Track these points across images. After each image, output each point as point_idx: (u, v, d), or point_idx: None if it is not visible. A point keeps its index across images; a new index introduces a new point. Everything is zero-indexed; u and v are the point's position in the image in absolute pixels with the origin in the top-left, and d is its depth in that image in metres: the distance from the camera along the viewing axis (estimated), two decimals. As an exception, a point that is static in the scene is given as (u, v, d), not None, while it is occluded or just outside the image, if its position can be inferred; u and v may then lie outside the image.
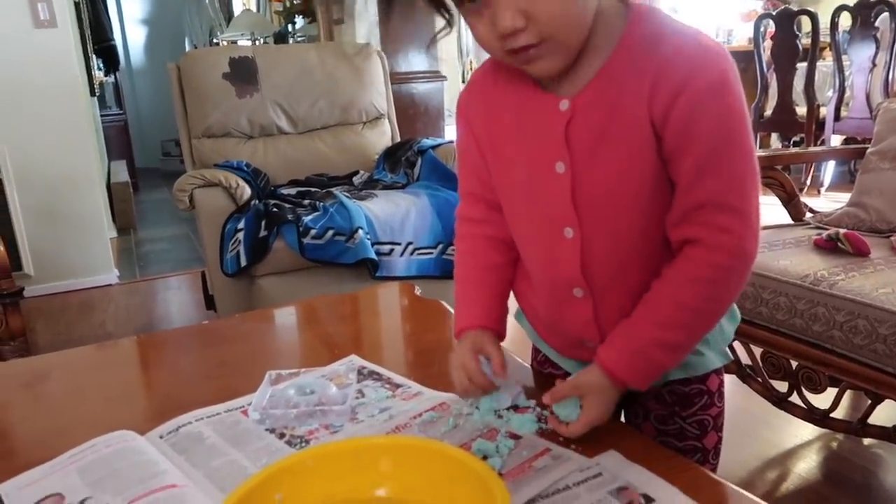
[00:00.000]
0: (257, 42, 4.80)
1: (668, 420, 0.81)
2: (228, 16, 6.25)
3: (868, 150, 1.75)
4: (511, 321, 0.87)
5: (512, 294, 0.85)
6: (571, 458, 0.70)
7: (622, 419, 0.86)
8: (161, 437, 0.77)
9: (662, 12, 0.67)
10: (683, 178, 0.64)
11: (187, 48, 7.40)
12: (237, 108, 2.60)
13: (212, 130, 2.59)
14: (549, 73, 0.66)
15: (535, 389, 0.82)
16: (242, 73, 2.61)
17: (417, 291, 1.27)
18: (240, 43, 5.38)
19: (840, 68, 4.30)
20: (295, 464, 0.64)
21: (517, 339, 0.88)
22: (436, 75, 4.41)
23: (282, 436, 0.78)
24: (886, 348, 1.21)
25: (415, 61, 4.37)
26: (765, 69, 4.60)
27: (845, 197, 1.80)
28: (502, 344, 0.81)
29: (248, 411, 0.81)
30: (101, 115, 5.70)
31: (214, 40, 6.11)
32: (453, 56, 7.36)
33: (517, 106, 0.72)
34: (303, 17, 4.68)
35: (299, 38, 4.69)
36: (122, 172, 5.03)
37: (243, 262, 2.03)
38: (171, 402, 0.88)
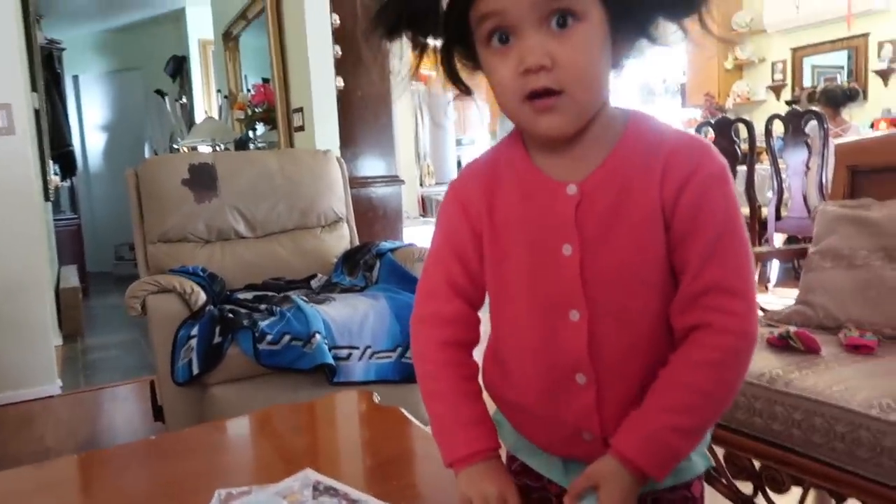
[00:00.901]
0: (218, 148, 4.87)
1: None
2: (190, 123, 6.37)
3: (810, 251, 1.83)
4: None
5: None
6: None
7: None
8: (97, 570, 0.72)
9: (656, 117, 0.73)
10: (690, 264, 0.67)
11: (147, 153, 7.46)
12: (195, 213, 2.59)
13: (168, 235, 2.57)
14: (559, 129, 0.68)
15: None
16: (202, 178, 2.62)
17: (376, 399, 1.24)
18: (200, 149, 5.45)
19: (777, 171, 4.56)
20: None
21: None
22: (394, 179, 4.52)
23: (230, 563, 0.73)
24: (844, 446, 1.21)
25: (374, 165, 4.48)
26: (707, 173, 4.83)
27: (791, 292, 1.85)
28: None
29: (195, 536, 0.76)
30: (55, 219, 5.62)
31: (175, 146, 6.18)
32: (411, 159, 7.57)
33: (520, 192, 0.73)
34: (263, 125, 4.78)
35: (260, 145, 4.78)
36: (72, 277, 4.91)
37: (196, 371, 1.96)
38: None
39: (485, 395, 0.81)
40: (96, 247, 7.25)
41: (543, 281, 0.72)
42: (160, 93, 6.78)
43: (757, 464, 1.41)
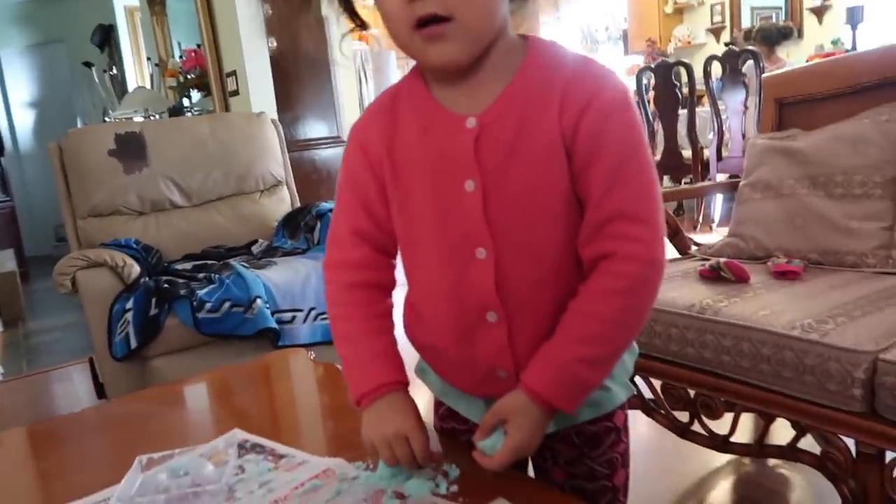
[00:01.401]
0: (152, 118, 4.70)
1: (577, 462, 0.78)
2: (122, 94, 6.11)
3: (741, 183, 1.86)
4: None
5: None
6: (458, 511, 0.67)
7: (530, 466, 0.83)
8: (6, 545, 0.69)
9: (558, 43, 0.70)
10: (594, 192, 0.66)
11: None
12: (125, 184, 2.50)
13: (98, 209, 2.47)
14: (452, 59, 0.65)
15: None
16: (130, 148, 2.53)
17: (311, 356, 1.22)
18: (135, 120, 5.25)
19: (717, 113, 4.62)
20: None
21: (416, 395, 0.84)
22: (337, 140, 4.44)
23: (149, 526, 0.71)
24: (770, 368, 1.25)
25: (316, 127, 4.38)
26: (651, 118, 4.88)
27: (730, 231, 1.88)
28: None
29: (111, 502, 0.74)
30: (-15, 203, 5.38)
31: (107, 119, 5.94)
32: (355, 119, 7.45)
33: (420, 129, 0.70)
34: (198, 91, 4.62)
35: (196, 112, 4.62)
36: (8, 262, 4.73)
37: (133, 344, 1.91)
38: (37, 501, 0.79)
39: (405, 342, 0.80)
40: (34, 229, 6.99)
41: (448, 220, 0.70)
42: (88, 64, 6.48)
43: (692, 392, 1.45)
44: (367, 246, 0.76)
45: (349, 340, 0.76)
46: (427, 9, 0.62)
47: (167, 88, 4.89)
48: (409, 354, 0.81)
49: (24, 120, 7.47)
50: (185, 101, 4.81)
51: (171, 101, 4.84)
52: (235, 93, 3.98)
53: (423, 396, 0.86)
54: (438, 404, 0.87)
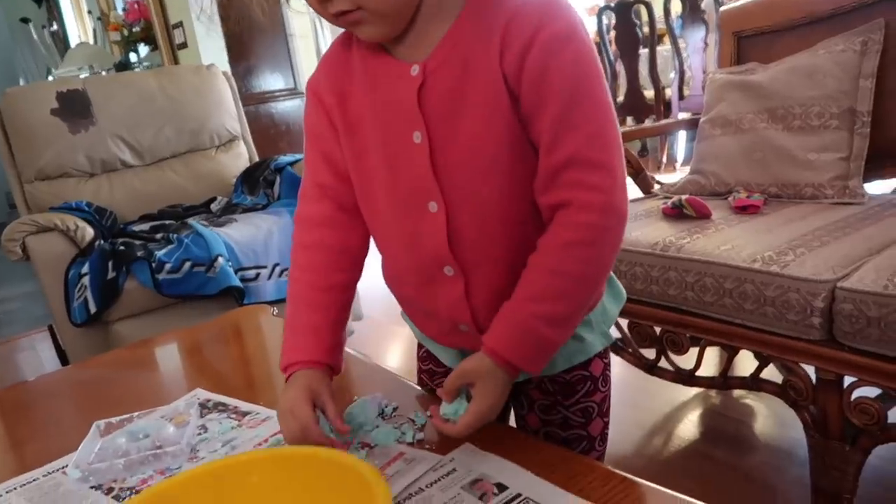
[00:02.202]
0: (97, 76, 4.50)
1: (550, 410, 0.77)
2: (65, 51, 5.83)
3: (701, 120, 1.86)
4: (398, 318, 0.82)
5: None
6: (425, 458, 0.67)
7: (511, 412, 0.83)
8: (-40, 520, 0.67)
9: None
10: (544, 137, 0.61)
11: (23, 90, 6.84)
12: (72, 144, 2.40)
13: (45, 172, 2.38)
14: (378, 37, 0.64)
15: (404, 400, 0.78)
16: (73, 107, 2.41)
17: (274, 312, 1.20)
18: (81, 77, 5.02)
19: (678, 51, 4.58)
20: (156, 494, 0.55)
21: (403, 336, 0.81)
22: (294, 92, 4.32)
23: (110, 490, 0.69)
24: (733, 301, 1.26)
25: (271, 80, 4.25)
26: (612, 58, 4.83)
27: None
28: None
29: (68, 470, 0.72)
30: (-72, 172, 5.15)
31: (51, 77, 5.68)
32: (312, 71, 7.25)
33: (369, 77, 0.67)
34: (145, 45, 4.43)
35: (145, 66, 4.44)
36: (-42, 231, 4.56)
37: (92, 309, 1.86)
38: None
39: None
40: (-17, 197, 6.74)
41: (399, 174, 0.67)
42: (25, 20, 6.16)
43: (658, 330, 1.46)
44: (329, 200, 0.73)
45: (291, 305, 0.74)
46: (336, 7, 0.60)
47: (111, 43, 4.68)
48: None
49: (-38, 82, 7.11)
50: (133, 57, 4.61)
51: (116, 57, 4.64)
52: (184, 45, 3.83)
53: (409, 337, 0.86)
54: (419, 346, 0.87)
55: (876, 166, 1.63)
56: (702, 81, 4.35)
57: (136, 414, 0.82)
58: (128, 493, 0.68)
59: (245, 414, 0.82)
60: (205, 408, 0.85)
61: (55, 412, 0.94)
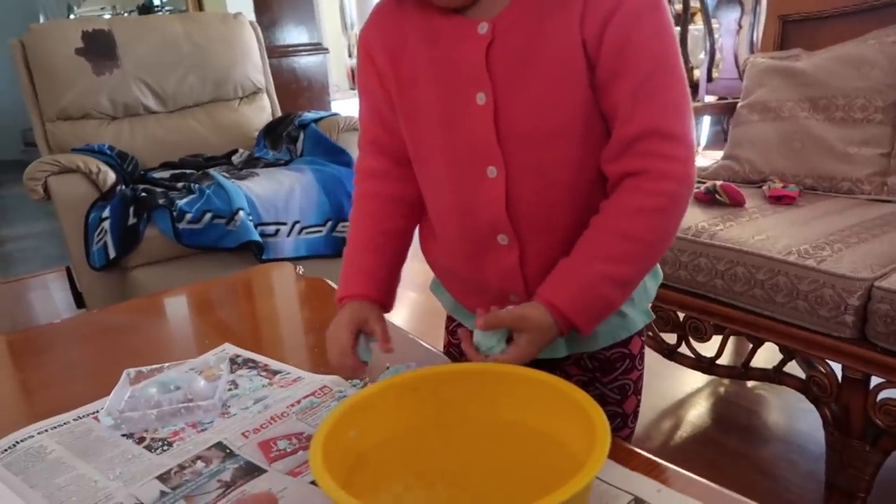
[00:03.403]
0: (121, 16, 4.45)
1: (587, 386, 0.76)
2: (87, -10, 5.75)
3: (738, 105, 1.82)
4: (425, 293, 0.81)
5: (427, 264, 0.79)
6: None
7: None
8: (-7, 458, 0.67)
9: None
10: (621, 106, 0.60)
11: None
12: (96, 86, 2.37)
13: (68, 112, 2.35)
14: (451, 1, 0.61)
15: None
16: (98, 47, 2.38)
17: (299, 270, 1.19)
18: (106, 18, 4.96)
19: (710, 31, 4.48)
20: (361, 400, 0.57)
21: (432, 311, 0.80)
22: (318, 48, 4.25)
23: (141, 440, 0.69)
24: (764, 293, 1.25)
25: (295, 33, 4.18)
26: (641, 34, 4.74)
27: (721, 155, 1.85)
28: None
29: (100, 416, 0.72)
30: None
31: (72, 16, 5.61)
32: (337, 29, 7.15)
33: (428, 34, 0.64)
34: (169, -11, 4.36)
35: (168, 10, 4.38)
36: (-26, 166, 4.55)
37: (112, 254, 1.86)
38: (9, 415, 0.76)
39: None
40: (1, 133, 6.72)
41: (457, 135, 0.65)
42: (48, -45, 6.07)
43: (681, 315, 1.45)
44: (383, 156, 0.74)
45: (350, 247, 0.76)
46: None
47: (136, -16, 4.61)
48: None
49: (-18, 15, 7.03)
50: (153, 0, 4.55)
51: (140, -1, 4.57)
52: (210, -9, 3.76)
53: (436, 313, 0.86)
54: (450, 319, 0.86)
55: (916, 164, 1.60)
56: (732, 65, 4.27)
57: (166, 365, 0.81)
58: (159, 443, 0.68)
59: (275, 373, 0.81)
60: (234, 363, 0.84)
61: (83, 355, 0.94)
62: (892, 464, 1.23)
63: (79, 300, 2.16)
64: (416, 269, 0.91)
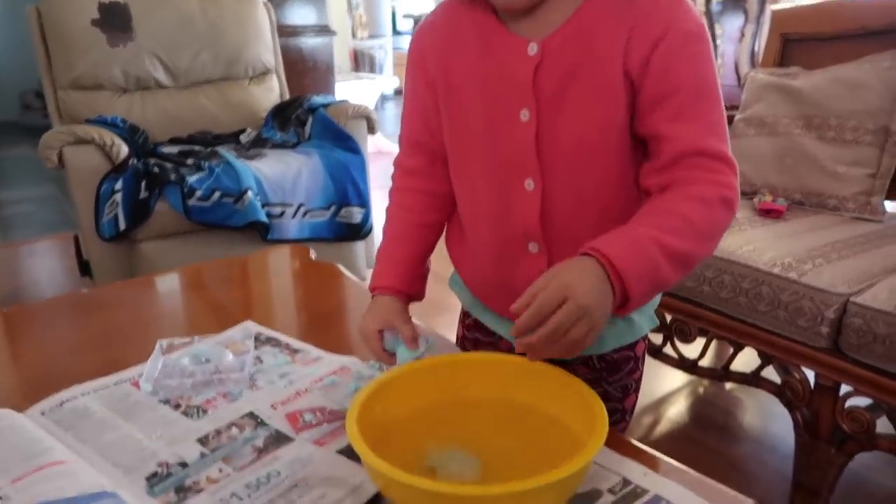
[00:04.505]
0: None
1: (593, 384, 0.78)
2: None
3: (736, 117, 1.89)
4: (443, 287, 0.85)
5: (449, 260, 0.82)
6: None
7: None
8: (43, 414, 0.73)
9: None
10: (665, 128, 0.63)
11: (47, -12, 6.72)
12: (109, 57, 2.41)
13: (80, 82, 2.39)
14: (520, 4, 0.65)
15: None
16: (114, 19, 2.41)
17: (312, 255, 1.25)
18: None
19: (713, 37, 4.55)
20: (386, 382, 0.64)
21: (448, 306, 0.85)
22: (325, 30, 4.27)
23: (177, 406, 0.75)
24: (747, 301, 1.33)
25: (302, 13, 4.20)
26: (645, 36, 4.79)
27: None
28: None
29: (140, 382, 0.78)
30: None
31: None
32: (342, 10, 7.14)
33: (480, 48, 0.68)
34: (179, -39, 4.36)
35: (176, -16, 4.38)
36: (-26, 125, 4.55)
37: (122, 226, 1.91)
38: (52, 376, 0.83)
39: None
40: (-2, 93, 6.68)
41: (499, 146, 0.69)
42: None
43: (668, 317, 1.53)
44: (422, 155, 0.78)
45: (386, 239, 0.80)
46: None
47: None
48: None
49: (-14, -27, 6.96)
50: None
51: (149, -31, 4.56)
52: (222, -32, 3.78)
53: (453, 306, 0.90)
54: (465, 314, 0.89)
55: (899, 186, 1.68)
56: (733, 72, 4.34)
57: (196, 338, 0.88)
58: (194, 410, 0.74)
59: (296, 351, 0.88)
60: (258, 340, 0.90)
61: (115, 324, 0.99)
62: (855, 466, 1.32)
63: (83, 268, 2.21)
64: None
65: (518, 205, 0.70)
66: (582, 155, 0.67)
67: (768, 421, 1.68)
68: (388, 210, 0.82)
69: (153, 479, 0.63)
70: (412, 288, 0.79)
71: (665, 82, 0.62)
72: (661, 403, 1.78)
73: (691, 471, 0.64)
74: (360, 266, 2.31)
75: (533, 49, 0.65)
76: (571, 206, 0.69)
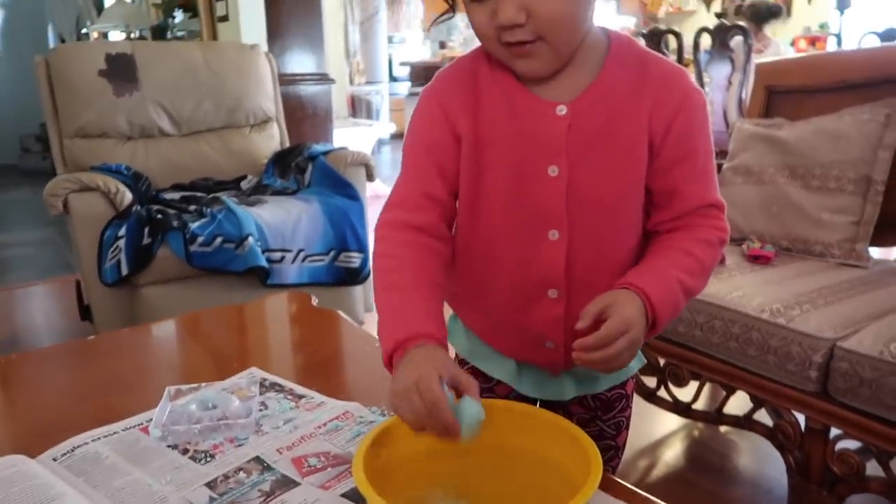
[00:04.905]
0: (132, 35, 4.55)
1: (589, 423, 0.85)
2: (98, 4, 5.88)
3: (724, 166, 1.95)
4: None
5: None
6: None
7: None
8: (55, 460, 0.75)
9: (630, 37, 0.75)
10: (680, 185, 0.71)
11: (51, 37, 6.89)
12: (114, 107, 2.47)
13: (86, 130, 2.45)
14: (537, 73, 0.69)
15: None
16: (120, 69, 2.49)
17: (314, 301, 1.28)
18: (111, 35, 5.07)
19: (701, 85, 4.67)
20: (390, 426, 0.65)
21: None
22: (324, 77, 4.38)
23: (185, 451, 0.78)
24: (738, 346, 1.36)
25: (302, 61, 4.30)
26: (635, 84, 4.92)
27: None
28: None
29: (149, 428, 0.81)
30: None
31: (83, 30, 5.72)
32: (339, 58, 7.30)
33: (509, 109, 0.71)
34: (183, 12, 4.49)
35: (179, 34, 4.50)
36: (-25, 169, 4.61)
37: (124, 271, 1.94)
38: (60, 422, 0.85)
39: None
40: (-2, 137, 6.78)
41: (525, 200, 0.72)
42: (63, -32, 6.20)
43: (661, 361, 1.56)
44: (436, 212, 0.75)
45: (398, 290, 0.70)
46: (516, 37, 0.65)
47: (151, 5, 4.73)
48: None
49: (-9, 21, 7.13)
50: (169, 21, 4.66)
51: (154, 19, 4.69)
52: (225, 18, 3.89)
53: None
54: (461, 363, 0.89)
55: (883, 233, 1.73)
56: (722, 119, 4.45)
57: (203, 384, 0.90)
58: (201, 455, 0.77)
59: (300, 397, 0.90)
60: (262, 386, 0.93)
61: (121, 371, 1.02)
62: (848, 510, 1.34)
63: (84, 313, 2.23)
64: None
65: (542, 253, 0.73)
66: (605, 208, 0.72)
67: (763, 463, 1.70)
68: (388, 263, 0.73)
69: (164, 524, 0.65)
70: (446, 343, 0.70)
71: (683, 146, 0.71)
72: (656, 446, 1.79)
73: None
74: (358, 310, 2.34)
75: (561, 110, 0.70)
76: (592, 255, 0.73)
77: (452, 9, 0.74)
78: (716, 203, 0.74)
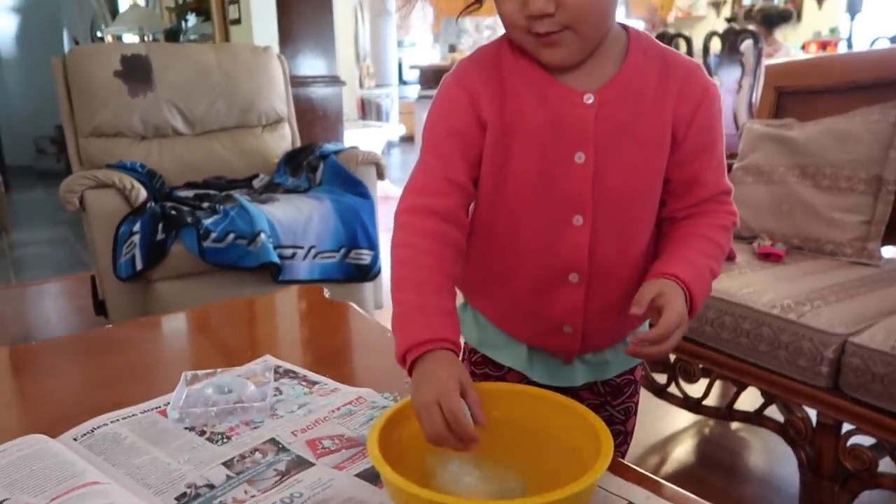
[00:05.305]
0: (146, 38, 4.60)
1: (599, 409, 0.86)
2: (113, 9, 5.95)
3: (734, 166, 1.95)
4: None
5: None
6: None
7: None
8: (75, 440, 0.77)
9: (649, 34, 0.77)
10: (701, 174, 0.74)
11: (66, 40, 6.96)
12: (129, 107, 2.50)
13: (101, 130, 2.48)
14: (563, 62, 0.70)
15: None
16: (136, 71, 2.52)
17: (326, 294, 1.30)
18: (126, 38, 5.13)
19: (711, 89, 4.67)
20: (403, 408, 0.65)
21: None
22: (334, 80, 4.41)
23: (202, 433, 0.79)
24: (748, 341, 1.36)
25: (313, 64, 4.34)
26: (645, 87, 4.92)
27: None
28: None
29: (167, 410, 0.82)
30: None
31: (98, 34, 5.79)
32: (350, 60, 7.34)
33: (536, 97, 0.72)
34: (196, 15, 4.54)
35: (192, 37, 4.54)
36: (-9, 170, 4.67)
37: (139, 266, 1.97)
38: (81, 405, 0.86)
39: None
40: (14, 139, 6.85)
41: (551, 186, 0.73)
42: (78, -28, 6.28)
43: (672, 357, 1.56)
44: (457, 197, 0.74)
45: (415, 286, 0.69)
46: (544, 27, 0.66)
47: (164, 8, 4.79)
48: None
49: (7, 26, 7.22)
50: (182, 25, 4.71)
51: (167, 23, 4.74)
52: (237, 21, 3.93)
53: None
54: (472, 352, 0.90)
55: (894, 232, 1.73)
56: (732, 122, 4.45)
57: (218, 370, 0.92)
58: (218, 436, 0.78)
59: (314, 383, 0.91)
60: (276, 373, 0.94)
61: (137, 359, 1.03)
62: (859, 506, 1.34)
63: (98, 307, 2.26)
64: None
65: (566, 238, 0.74)
66: (628, 195, 0.74)
67: (774, 460, 1.70)
68: (405, 255, 0.72)
69: (182, 500, 0.66)
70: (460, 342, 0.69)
71: (704, 138, 0.74)
72: (667, 443, 1.79)
73: (693, 496, 0.67)
74: (369, 307, 2.35)
75: (589, 99, 0.71)
76: (613, 241, 0.75)
77: (479, 1, 0.76)
78: (728, 189, 0.77)
